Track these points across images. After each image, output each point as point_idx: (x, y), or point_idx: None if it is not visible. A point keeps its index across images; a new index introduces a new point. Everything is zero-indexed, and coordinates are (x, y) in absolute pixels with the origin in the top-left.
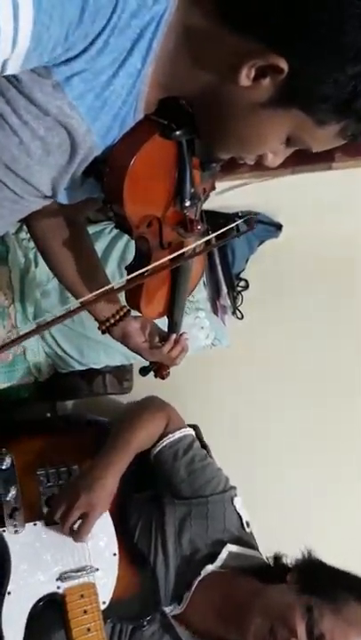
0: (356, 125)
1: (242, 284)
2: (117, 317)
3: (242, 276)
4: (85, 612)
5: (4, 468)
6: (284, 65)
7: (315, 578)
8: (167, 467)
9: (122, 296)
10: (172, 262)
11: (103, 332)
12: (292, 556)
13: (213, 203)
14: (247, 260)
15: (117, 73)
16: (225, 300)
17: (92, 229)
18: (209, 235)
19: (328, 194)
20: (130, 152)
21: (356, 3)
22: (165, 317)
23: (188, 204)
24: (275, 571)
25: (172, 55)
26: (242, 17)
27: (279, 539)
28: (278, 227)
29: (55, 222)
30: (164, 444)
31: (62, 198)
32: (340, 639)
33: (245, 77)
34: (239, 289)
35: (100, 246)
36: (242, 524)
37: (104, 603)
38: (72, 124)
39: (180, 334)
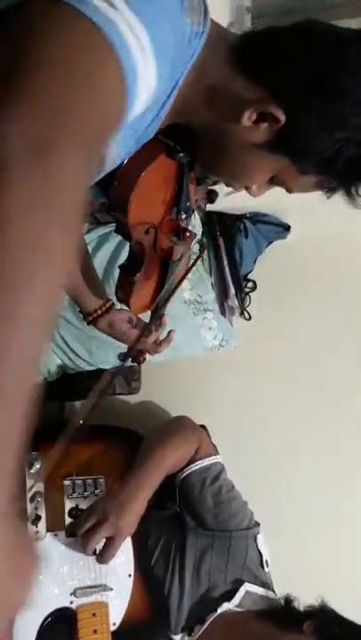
0: (333, 181)
1: (250, 285)
2: (104, 309)
3: (250, 276)
4: (95, 631)
5: (32, 471)
6: (281, 117)
7: (331, 631)
8: (194, 494)
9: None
10: (163, 265)
11: (89, 324)
12: (302, 598)
13: (222, 204)
14: (255, 261)
15: (152, 106)
16: (233, 301)
17: (100, 231)
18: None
19: (337, 195)
20: (139, 169)
21: (353, 82)
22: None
23: (183, 216)
24: (289, 616)
25: (188, 89)
26: (253, 66)
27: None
28: (287, 228)
29: None
30: (193, 469)
31: None
32: None
33: (247, 119)
34: (247, 290)
35: (108, 248)
36: (261, 563)
37: (114, 624)
38: (109, 152)
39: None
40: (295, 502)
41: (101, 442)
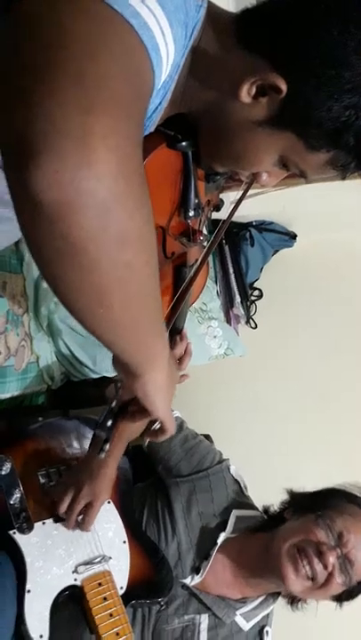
0: (346, 157)
1: (256, 293)
2: None
3: (256, 285)
4: (105, 598)
5: (3, 473)
6: (283, 86)
7: (308, 500)
8: (163, 449)
9: None
10: (176, 272)
11: None
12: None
13: (228, 211)
14: (261, 270)
15: (158, 92)
16: (238, 310)
17: None
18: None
19: (343, 204)
20: None
21: (358, 46)
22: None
23: (191, 214)
24: (273, 519)
25: (186, 71)
26: (252, 35)
27: None
28: (293, 236)
29: None
30: None
31: None
32: (355, 531)
33: (246, 93)
34: (253, 298)
35: None
36: (241, 489)
37: (122, 588)
38: None
39: (180, 331)
40: None
41: (62, 433)
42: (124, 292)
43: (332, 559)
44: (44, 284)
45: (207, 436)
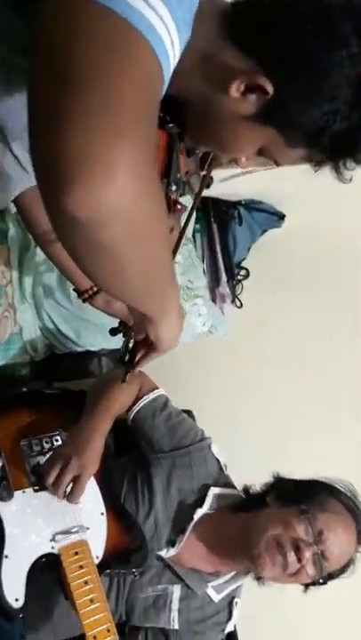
0: (321, 155)
1: (242, 272)
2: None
3: (243, 264)
4: (81, 567)
5: None
6: (270, 88)
7: (293, 490)
8: (147, 425)
9: None
10: None
11: (84, 301)
12: (260, 483)
13: (217, 190)
14: (249, 249)
15: None
16: (224, 289)
17: None
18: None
19: (331, 184)
20: None
21: (344, 54)
22: None
23: (174, 188)
24: (253, 500)
25: (180, 58)
26: (244, 36)
27: None
28: (281, 216)
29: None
30: (141, 405)
31: None
32: (334, 529)
33: (235, 90)
34: (240, 278)
35: None
36: (221, 468)
37: (97, 557)
38: None
39: None
40: None
41: (50, 404)
42: (145, 276)
43: (307, 555)
44: (29, 254)
45: (189, 412)
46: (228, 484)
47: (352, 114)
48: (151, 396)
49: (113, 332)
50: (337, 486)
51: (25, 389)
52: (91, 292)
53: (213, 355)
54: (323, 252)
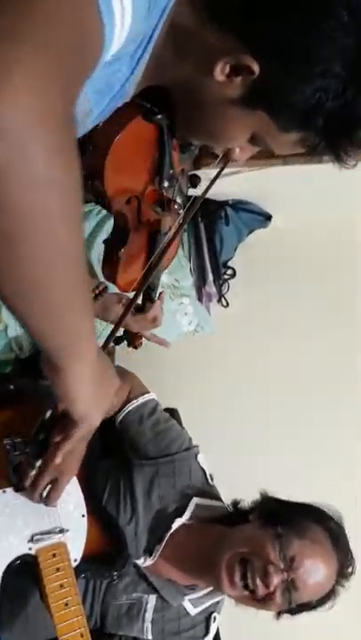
0: (315, 138)
1: (229, 272)
2: (97, 292)
3: (230, 264)
4: (58, 569)
5: None
6: (255, 67)
7: (275, 511)
8: (133, 430)
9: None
10: (150, 239)
11: None
12: (249, 500)
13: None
14: (236, 249)
15: (127, 61)
16: (211, 288)
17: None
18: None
19: (318, 185)
20: (114, 131)
21: (333, 23)
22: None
23: (166, 184)
24: (237, 515)
25: (162, 43)
26: (226, 15)
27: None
28: (268, 217)
29: None
30: (129, 409)
31: None
32: (309, 558)
33: (220, 72)
34: (226, 277)
35: (88, 225)
36: (206, 479)
37: (75, 560)
38: (79, 106)
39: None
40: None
41: (35, 403)
42: (35, 242)
43: (276, 580)
44: None
45: (174, 411)
46: (211, 495)
47: (346, 89)
48: (140, 400)
49: (117, 340)
50: (325, 513)
51: (12, 387)
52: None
53: (199, 353)
54: (309, 252)
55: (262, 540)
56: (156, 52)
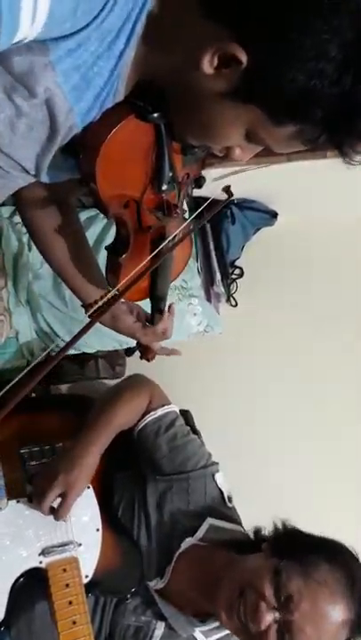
0: (313, 130)
1: (236, 271)
2: (105, 300)
3: (237, 263)
4: (67, 585)
5: None
6: (243, 57)
7: (286, 543)
8: (149, 443)
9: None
10: (153, 246)
11: (90, 317)
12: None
13: (209, 189)
14: (242, 248)
15: (103, 54)
16: (219, 288)
17: (86, 214)
18: (187, 219)
19: (323, 182)
20: (104, 131)
21: (321, 9)
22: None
23: (165, 187)
24: (251, 543)
25: (147, 39)
26: (214, 3)
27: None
28: (274, 215)
29: (45, 204)
30: (147, 420)
31: (45, 178)
32: (310, 600)
33: (208, 64)
34: (234, 277)
35: (94, 231)
36: (223, 499)
37: (87, 576)
38: (55, 102)
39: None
40: (283, 489)
41: (55, 411)
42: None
43: (268, 618)
44: (23, 259)
45: (186, 412)
46: (227, 517)
47: (343, 75)
48: (159, 412)
49: (128, 351)
50: (345, 552)
51: (34, 395)
52: (96, 306)
53: (207, 353)
54: (316, 250)
55: (261, 572)
56: (142, 45)
